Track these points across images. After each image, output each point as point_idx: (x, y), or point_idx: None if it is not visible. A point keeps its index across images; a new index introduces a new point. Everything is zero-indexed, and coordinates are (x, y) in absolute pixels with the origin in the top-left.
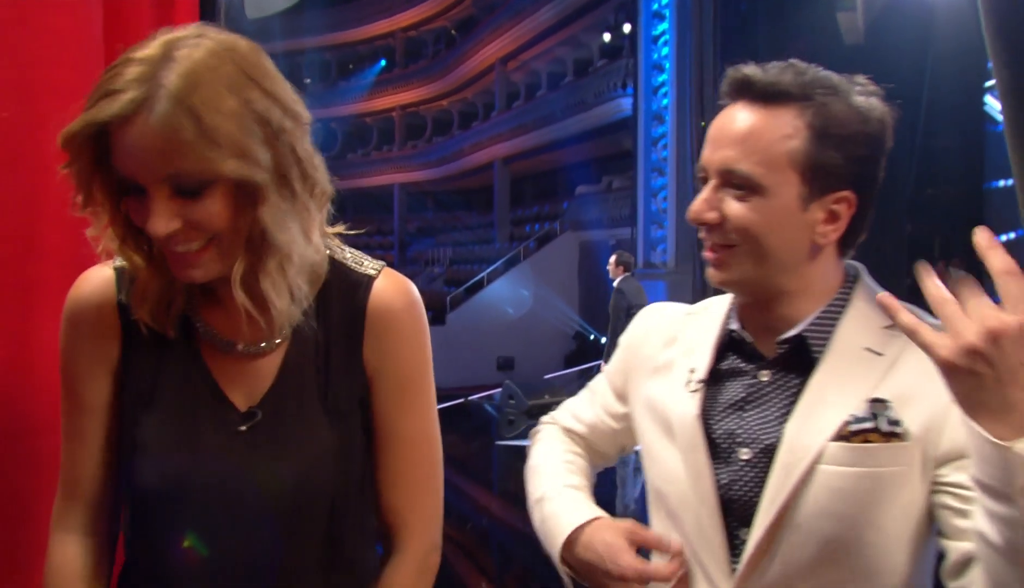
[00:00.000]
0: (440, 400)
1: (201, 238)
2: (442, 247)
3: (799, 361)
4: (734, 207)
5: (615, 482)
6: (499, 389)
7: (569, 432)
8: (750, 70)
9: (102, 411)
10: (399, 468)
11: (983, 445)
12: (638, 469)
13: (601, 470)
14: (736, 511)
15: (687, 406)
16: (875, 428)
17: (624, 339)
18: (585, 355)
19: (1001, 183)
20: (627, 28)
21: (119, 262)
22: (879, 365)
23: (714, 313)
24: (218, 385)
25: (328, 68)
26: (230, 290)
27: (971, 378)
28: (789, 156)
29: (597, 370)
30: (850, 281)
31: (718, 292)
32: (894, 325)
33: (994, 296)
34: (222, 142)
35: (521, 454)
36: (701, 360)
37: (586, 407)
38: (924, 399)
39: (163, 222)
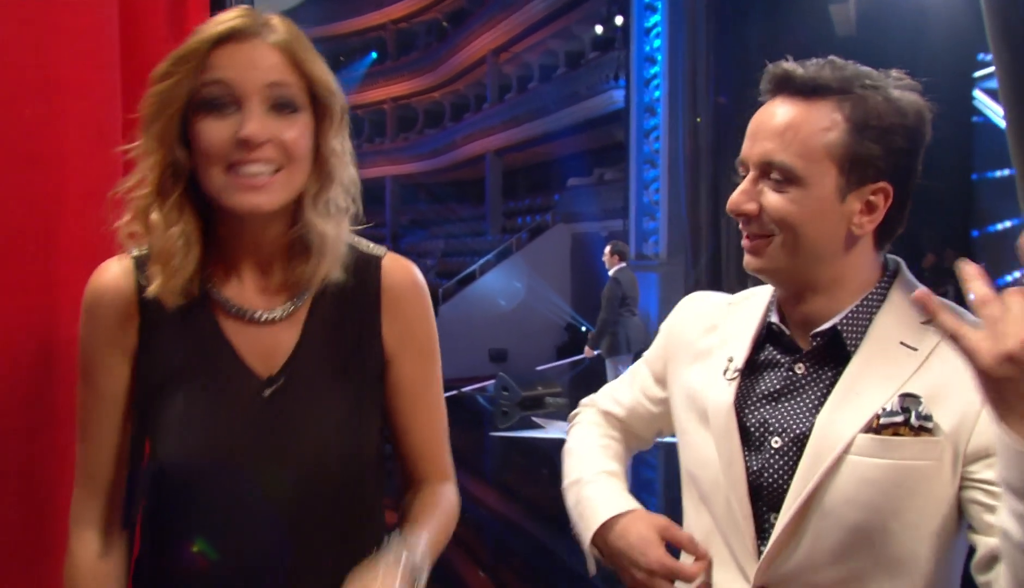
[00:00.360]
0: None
1: (276, 161)
2: (434, 239)
3: (834, 354)
4: (772, 198)
5: None
6: (492, 381)
7: (607, 415)
8: (789, 66)
9: (120, 399)
10: (427, 430)
11: (1009, 448)
12: (640, 460)
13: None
14: (765, 497)
15: (723, 394)
16: (905, 422)
17: (665, 325)
18: (577, 346)
19: (989, 175)
20: (619, 20)
21: (136, 252)
22: (913, 360)
23: (755, 304)
24: (238, 355)
25: None
26: (251, 260)
27: (1007, 383)
28: (827, 148)
29: (588, 361)
30: (889, 275)
31: (712, 284)
32: (929, 320)
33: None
34: (317, 75)
35: (515, 445)
36: (739, 350)
37: (625, 390)
38: (956, 396)
39: (258, 126)
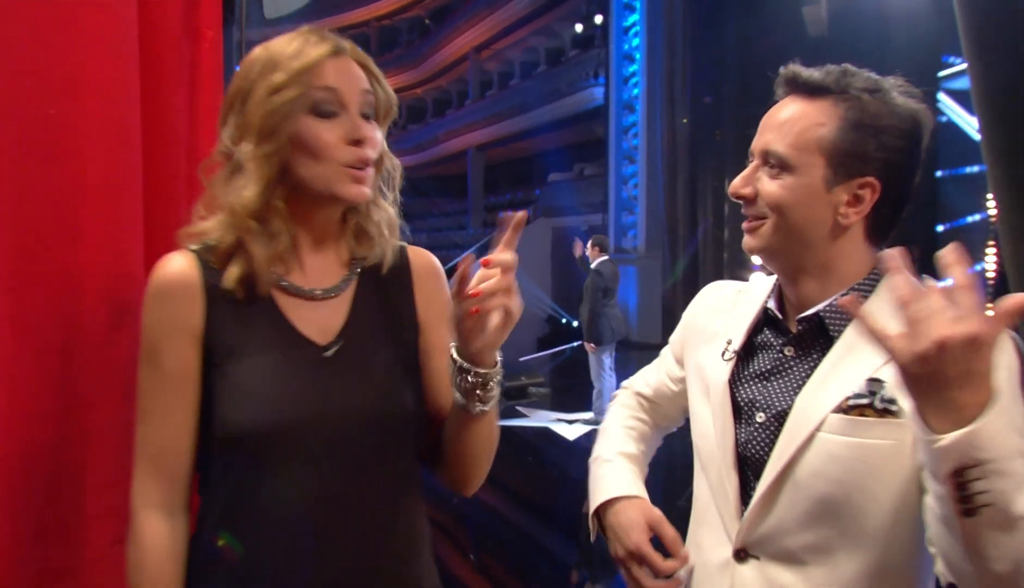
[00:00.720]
0: None
1: (374, 156)
2: (417, 233)
3: (820, 338)
4: (767, 184)
5: None
6: None
7: (638, 395)
8: (797, 68)
9: (185, 380)
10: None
11: (920, 438)
12: None
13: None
14: (750, 466)
15: (721, 373)
16: (871, 404)
17: (686, 312)
18: (558, 338)
19: (954, 172)
20: (599, 19)
21: (195, 246)
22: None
23: (758, 291)
24: (296, 328)
25: None
26: (308, 244)
27: (923, 379)
28: (818, 141)
29: (571, 351)
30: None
31: (688, 276)
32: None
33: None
34: (383, 84)
35: (499, 434)
36: (738, 333)
37: (653, 372)
38: None
39: (368, 129)
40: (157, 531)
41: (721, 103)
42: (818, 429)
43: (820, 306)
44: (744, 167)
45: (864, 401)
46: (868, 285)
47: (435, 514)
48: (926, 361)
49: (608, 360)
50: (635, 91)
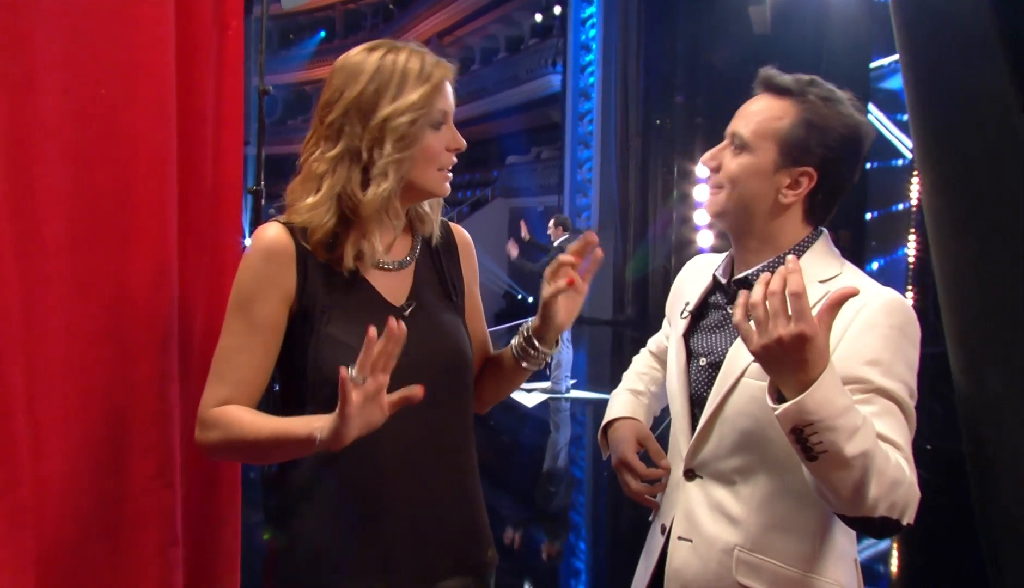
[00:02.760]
0: None
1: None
2: None
3: None
4: (729, 159)
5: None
6: None
7: (650, 351)
8: (772, 72)
9: (269, 331)
10: (483, 326)
11: (767, 404)
12: (572, 415)
13: None
14: (697, 403)
15: (679, 328)
16: None
17: (674, 281)
18: (514, 313)
19: (883, 164)
20: (557, 10)
21: (284, 219)
22: None
23: (717, 261)
24: (377, 291)
25: (270, 37)
26: (387, 224)
27: (769, 363)
28: (774, 131)
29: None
30: (811, 240)
31: (640, 261)
32: (828, 279)
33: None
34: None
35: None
36: (694, 296)
37: (660, 333)
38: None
39: (461, 138)
40: (236, 407)
41: (671, 93)
42: (742, 375)
43: (751, 270)
44: (693, 151)
45: None
46: (800, 248)
47: None
48: (769, 351)
49: (566, 334)
50: (591, 80)
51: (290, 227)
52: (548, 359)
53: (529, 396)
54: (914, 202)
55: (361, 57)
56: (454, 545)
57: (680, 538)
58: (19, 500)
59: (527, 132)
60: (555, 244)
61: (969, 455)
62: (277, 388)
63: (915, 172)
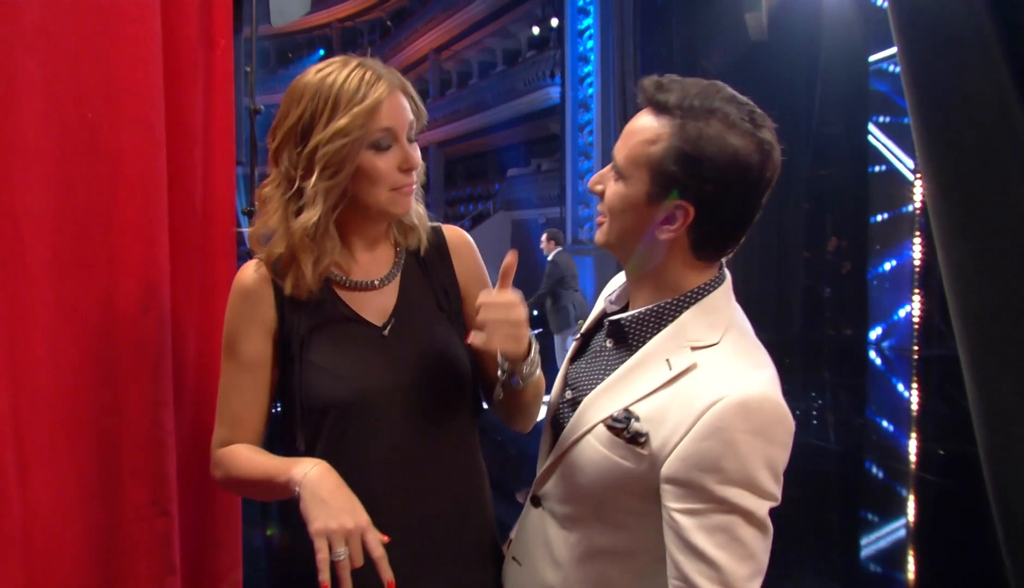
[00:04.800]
0: None
1: (415, 176)
2: None
3: (633, 341)
4: (609, 186)
5: None
6: None
7: None
8: (652, 81)
9: (257, 365)
10: None
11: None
12: None
13: None
14: (557, 433)
15: (569, 351)
16: (623, 431)
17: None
18: None
19: (879, 168)
20: (554, 22)
21: (263, 255)
22: (662, 378)
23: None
24: (357, 314)
25: (267, 56)
26: (362, 246)
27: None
28: (647, 157)
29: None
30: (703, 289)
31: None
32: (702, 347)
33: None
34: (419, 105)
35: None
36: (589, 319)
37: None
38: (669, 423)
39: (414, 155)
40: (238, 445)
41: None
42: (588, 432)
43: (628, 313)
44: None
45: (619, 425)
46: (684, 302)
47: None
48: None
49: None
50: (590, 90)
51: (267, 263)
52: (529, 367)
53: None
54: (918, 205)
55: (308, 79)
56: (452, 568)
57: (514, 558)
58: (6, 531)
59: (527, 144)
60: (549, 257)
61: (985, 462)
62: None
63: (918, 175)
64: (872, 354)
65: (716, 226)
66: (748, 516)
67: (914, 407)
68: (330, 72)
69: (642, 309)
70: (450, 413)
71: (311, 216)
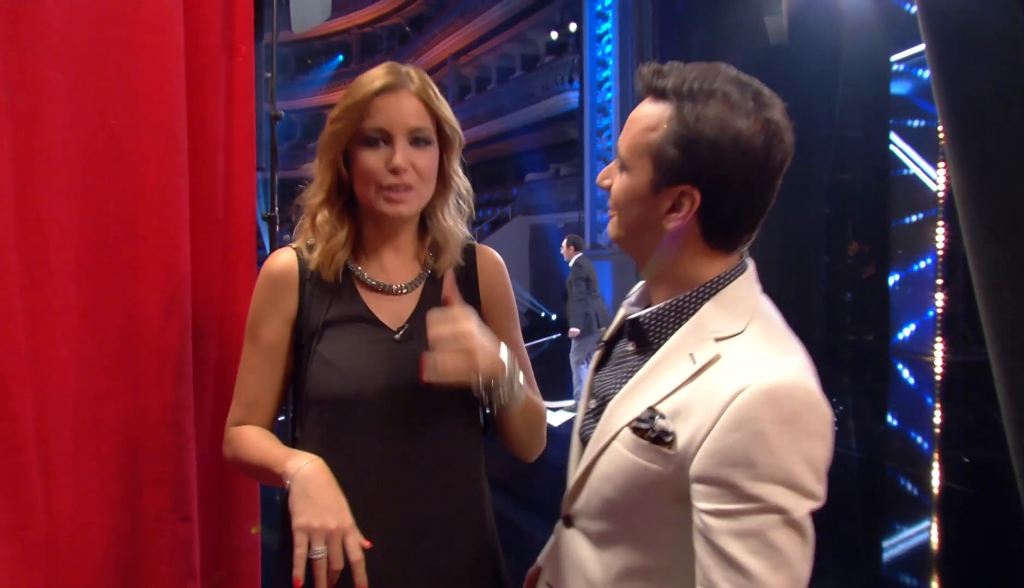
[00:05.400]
0: None
1: (413, 181)
2: None
3: (654, 341)
4: (615, 179)
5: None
6: None
7: None
8: (648, 68)
9: (276, 351)
10: (521, 360)
11: None
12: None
13: None
14: (585, 445)
15: (593, 359)
16: (647, 431)
17: None
18: (537, 331)
19: (901, 172)
20: (572, 27)
21: (299, 243)
22: (685, 373)
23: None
24: (373, 313)
25: (287, 62)
26: (389, 249)
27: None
28: (648, 145)
29: (550, 344)
30: (726, 279)
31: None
32: (726, 337)
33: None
34: (444, 114)
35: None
36: (611, 326)
37: None
38: (694, 418)
39: (402, 159)
40: (249, 427)
41: None
42: (614, 438)
43: (647, 311)
44: None
45: (644, 426)
46: (703, 294)
47: None
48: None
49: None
50: (608, 95)
51: (298, 251)
52: (504, 388)
53: (554, 415)
54: (942, 175)
55: None
56: (442, 577)
57: (548, 584)
58: (31, 536)
59: (545, 149)
60: (571, 262)
61: (1018, 472)
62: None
63: (942, 176)
64: (894, 360)
65: (725, 212)
66: (785, 517)
67: (937, 414)
68: (368, 71)
69: (660, 305)
70: (451, 423)
71: (316, 194)
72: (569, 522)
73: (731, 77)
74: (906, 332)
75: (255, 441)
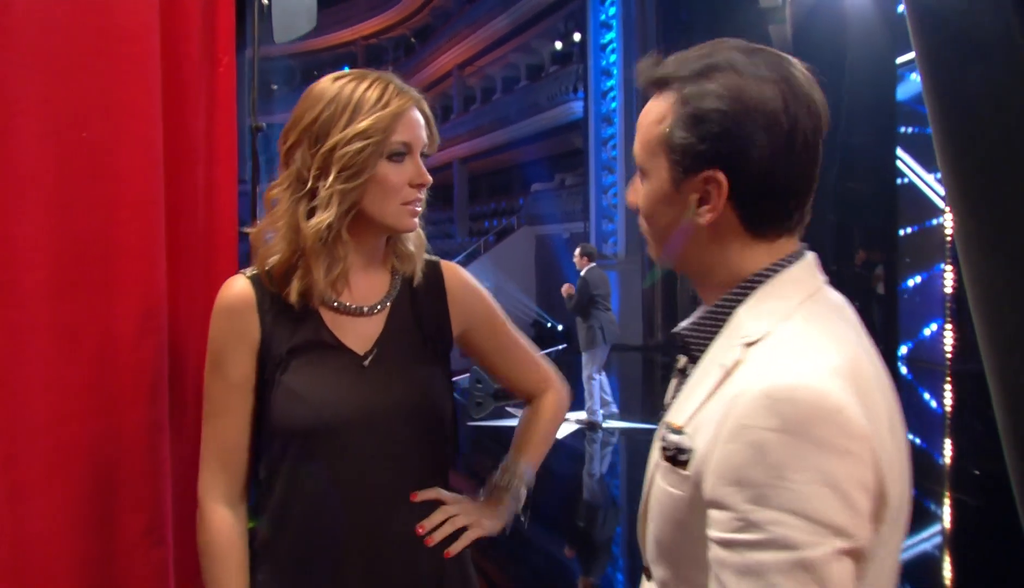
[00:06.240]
0: None
1: (424, 195)
2: None
3: (692, 354)
4: (640, 193)
5: (584, 457)
6: (466, 374)
7: None
8: (642, 64)
9: (245, 386)
10: (522, 363)
11: None
12: (605, 444)
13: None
14: None
15: (669, 393)
16: (666, 448)
17: None
18: (543, 342)
19: (908, 179)
20: (577, 37)
21: (249, 272)
22: (710, 386)
23: None
24: (339, 340)
25: (293, 74)
26: (362, 263)
27: None
28: (660, 139)
29: (556, 355)
30: (769, 273)
31: (667, 282)
32: (756, 340)
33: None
34: (433, 127)
35: (489, 434)
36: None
37: None
38: (704, 429)
39: (426, 172)
40: (222, 518)
41: None
42: (656, 469)
43: (685, 322)
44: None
45: (665, 445)
46: (746, 287)
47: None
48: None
49: (603, 359)
50: (613, 105)
51: (255, 275)
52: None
53: (562, 425)
54: (949, 217)
55: (325, 85)
56: None
57: None
58: None
59: (550, 159)
60: (581, 273)
61: (1017, 493)
62: None
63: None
64: (903, 369)
65: (758, 188)
66: (796, 556)
67: (947, 424)
68: (350, 80)
69: (699, 313)
70: (422, 453)
71: (324, 218)
72: (648, 574)
73: (734, 45)
74: (914, 341)
75: (221, 570)
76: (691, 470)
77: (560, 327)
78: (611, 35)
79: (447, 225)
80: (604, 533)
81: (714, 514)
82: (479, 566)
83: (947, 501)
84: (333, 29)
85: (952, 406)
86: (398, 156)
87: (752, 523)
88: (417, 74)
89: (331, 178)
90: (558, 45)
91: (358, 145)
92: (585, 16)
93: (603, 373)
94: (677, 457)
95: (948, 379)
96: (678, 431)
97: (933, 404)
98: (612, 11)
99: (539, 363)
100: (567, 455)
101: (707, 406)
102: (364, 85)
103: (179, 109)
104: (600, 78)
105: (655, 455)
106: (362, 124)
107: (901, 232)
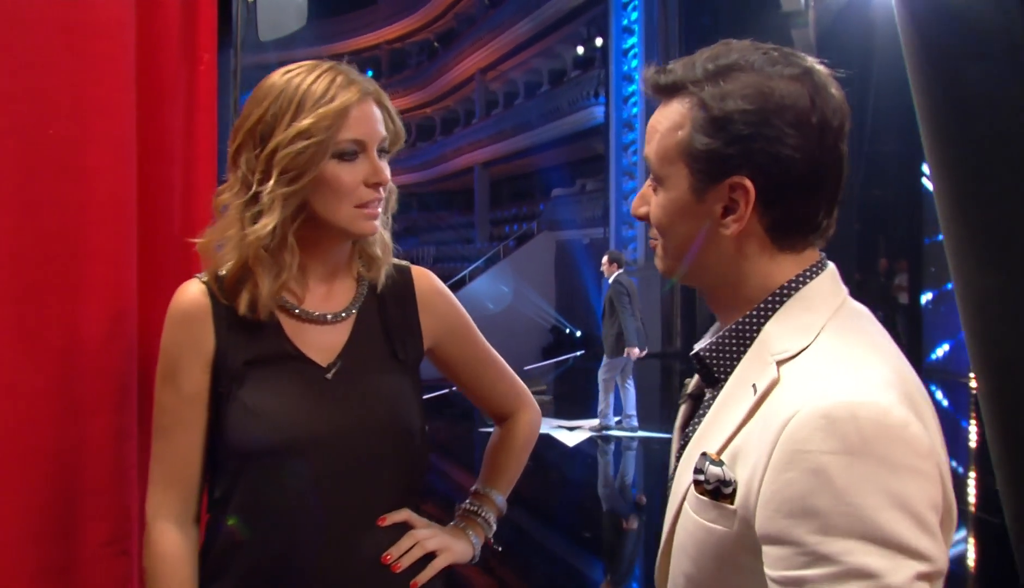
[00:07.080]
0: (426, 391)
1: (383, 194)
2: (426, 246)
3: (722, 380)
4: (652, 201)
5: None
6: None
7: None
8: (648, 72)
9: (198, 400)
10: (496, 377)
11: None
12: (624, 451)
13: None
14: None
15: (679, 418)
16: (704, 481)
17: None
18: (561, 347)
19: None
20: (599, 42)
21: (204, 277)
22: (746, 408)
23: None
24: (300, 351)
25: None
26: (319, 274)
27: None
28: (678, 146)
29: (574, 361)
30: (794, 286)
31: (686, 289)
32: (788, 358)
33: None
34: (396, 121)
35: None
36: (694, 375)
37: None
38: (747, 457)
39: (384, 172)
40: (171, 540)
41: None
42: (683, 500)
43: (705, 342)
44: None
45: (700, 478)
46: (772, 302)
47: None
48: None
49: (630, 367)
50: (634, 110)
51: (207, 284)
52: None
53: (571, 434)
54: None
55: (274, 79)
56: None
57: None
58: None
59: (571, 164)
60: (611, 279)
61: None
62: None
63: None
64: (927, 381)
65: (790, 196)
66: (874, 585)
67: (972, 438)
68: (297, 73)
69: (721, 331)
70: (390, 471)
71: (267, 223)
72: None
73: (746, 45)
74: (939, 352)
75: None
76: (737, 504)
77: (579, 333)
78: (633, 40)
79: (468, 230)
80: (620, 543)
81: (772, 551)
82: (495, 573)
83: (970, 518)
84: (357, 33)
85: (977, 419)
86: (348, 155)
87: (822, 556)
88: (440, 78)
89: (271, 181)
90: (580, 50)
91: (300, 145)
92: (607, 21)
93: (632, 382)
94: (720, 490)
95: (971, 391)
96: (717, 462)
97: (958, 417)
98: (634, 16)
99: (514, 379)
100: (579, 461)
101: (744, 432)
102: (311, 78)
103: (155, 107)
104: (621, 83)
105: (681, 487)
106: (305, 122)
107: (927, 241)
